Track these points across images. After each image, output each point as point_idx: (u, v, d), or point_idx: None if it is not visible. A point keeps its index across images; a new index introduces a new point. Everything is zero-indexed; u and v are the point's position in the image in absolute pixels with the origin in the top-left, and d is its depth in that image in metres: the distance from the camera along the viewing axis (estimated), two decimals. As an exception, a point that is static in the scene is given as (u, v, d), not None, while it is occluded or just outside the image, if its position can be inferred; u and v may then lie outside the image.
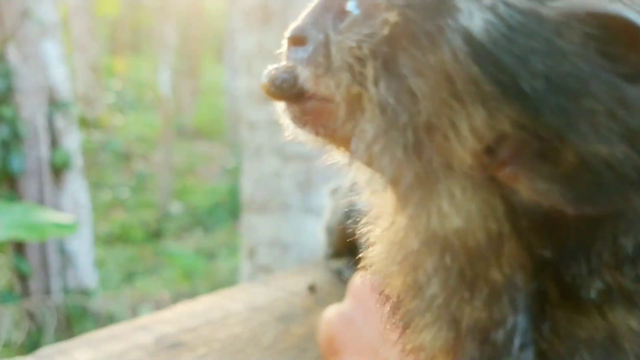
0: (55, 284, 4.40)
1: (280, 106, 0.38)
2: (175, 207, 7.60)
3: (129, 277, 5.65)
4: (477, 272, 0.28)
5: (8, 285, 4.62)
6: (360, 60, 0.32)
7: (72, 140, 4.47)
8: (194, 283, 5.49)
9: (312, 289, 0.95)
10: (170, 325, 0.84)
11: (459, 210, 0.27)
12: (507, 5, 0.28)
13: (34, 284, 4.33)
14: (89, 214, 4.82)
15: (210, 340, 0.80)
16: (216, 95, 13.22)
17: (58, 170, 4.42)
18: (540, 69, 0.26)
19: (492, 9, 0.28)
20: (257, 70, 2.61)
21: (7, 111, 4.13)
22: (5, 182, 4.27)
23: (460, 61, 0.27)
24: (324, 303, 0.91)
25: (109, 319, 4.49)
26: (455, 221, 0.28)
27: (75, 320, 4.46)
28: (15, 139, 4.19)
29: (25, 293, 4.29)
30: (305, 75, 0.35)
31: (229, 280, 5.50)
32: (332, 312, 0.68)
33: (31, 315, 4.08)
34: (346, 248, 1.07)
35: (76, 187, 4.58)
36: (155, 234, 6.82)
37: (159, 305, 5.12)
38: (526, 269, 0.28)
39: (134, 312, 4.83)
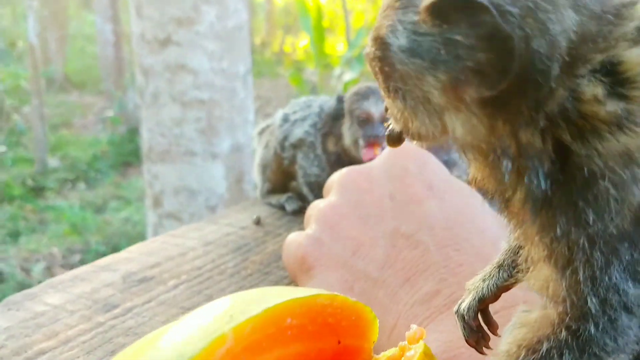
0: None
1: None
2: (54, 162, 7.20)
3: (13, 235, 5.36)
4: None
5: None
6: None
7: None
8: (85, 237, 5.33)
9: (258, 222, 1.03)
10: (131, 263, 0.90)
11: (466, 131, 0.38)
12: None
13: None
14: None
15: (177, 273, 0.86)
16: (86, 43, 12.39)
17: None
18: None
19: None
20: (149, 14, 2.55)
21: None
22: None
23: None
24: (273, 234, 1.01)
25: (-1, 280, 4.29)
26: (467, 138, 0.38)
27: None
28: None
29: None
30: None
31: (123, 232, 5.39)
32: (296, 237, 0.77)
33: None
34: (281, 182, 1.16)
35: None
36: (35, 191, 6.47)
37: (51, 262, 4.93)
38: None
39: (26, 271, 4.63)
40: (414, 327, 0.46)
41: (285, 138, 1.11)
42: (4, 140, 7.44)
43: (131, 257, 0.92)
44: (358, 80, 5.98)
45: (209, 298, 0.79)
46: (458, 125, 0.37)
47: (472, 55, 0.34)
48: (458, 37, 0.34)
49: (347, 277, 0.70)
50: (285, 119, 1.12)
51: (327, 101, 1.14)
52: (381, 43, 0.39)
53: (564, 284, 0.36)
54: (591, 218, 0.35)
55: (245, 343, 0.36)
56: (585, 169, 0.34)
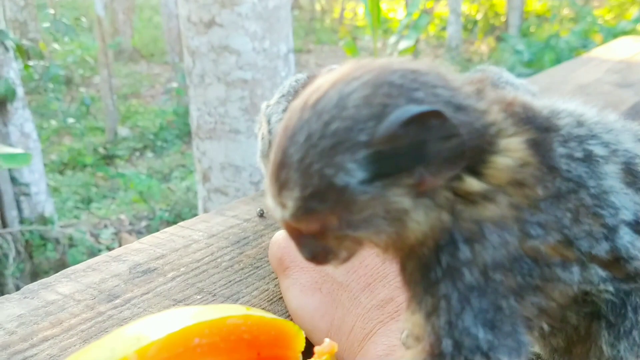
0: (11, 215, 4.45)
1: None
2: (124, 131, 7.55)
3: (85, 202, 5.71)
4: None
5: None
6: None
7: (11, 71, 4.36)
8: (151, 204, 5.61)
9: (262, 214, 1.10)
10: (140, 254, 0.98)
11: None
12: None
13: (-11, 217, 4.37)
14: (37, 143, 4.79)
15: (177, 265, 0.94)
16: (153, 14, 12.71)
17: (1, 102, 4.35)
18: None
19: None
20: (196, -5, 2.62)
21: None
22: (-55, 118, 4.19)
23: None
24: (272, 227, 1.07)
25: (70, 245, 4.61)
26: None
27: (35, 249, 4.55)
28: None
29: (-18, 227, 4.34)
30: None
31: (185, 200, 5.64)
32: (278, 237, 0.84)
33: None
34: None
35: (22, 118, 4.52)
36: (106, 159, 6.83)
37: (118, 228, 5.25)
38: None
39: (95, 237, 4.96)
40: (326, 340, 0.51)
41: (269, 127, 1.12)
42: (75, 110, 7.85)
43: (142, 248, 1.01)
44: (414, 49, 5.88)
45: (200, 291, 0.87)
46: (422, 216, 0.41)
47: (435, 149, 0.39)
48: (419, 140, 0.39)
49: (317, 278, 0.76)
50: (266, 107, 1.12)
51: (298, 79, 1.09)
52: (331, 191, 0.40)
53: (427, 329, 0.41)
54: (455, 271, 0.39)
55: (152, 362, 0.42)
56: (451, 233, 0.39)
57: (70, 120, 7.42)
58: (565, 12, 10.56)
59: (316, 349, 0.51)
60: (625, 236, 0.43)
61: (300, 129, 0.40)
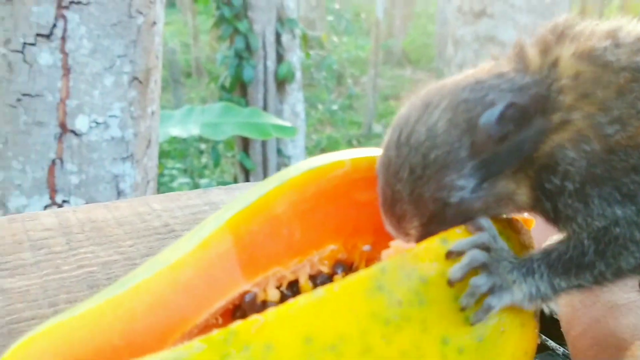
0: (272, 181, 5.08)
1: None
2: (377, 128, 8.00)
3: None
4: None
5: (233, 178, 5.44)
6: None
7: (295, 56, 4.97)
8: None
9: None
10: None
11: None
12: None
13: (254, 179, 5.05)
14: (304, 124, 5.37)
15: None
16: (427, 22, 13.14)
17: (281, 82, 4.99)
18: None
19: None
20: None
21: (241, 25, 4.73)
22: (237, 89, 4.96)
23: None
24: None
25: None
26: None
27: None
28: (247, 51, 4.80)
29: (248, 186, 5.04)
30: None
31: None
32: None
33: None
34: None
35: (295, 99, 5.12)
36: (358, 150, 7.32)
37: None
38: None
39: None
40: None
41: None
42: (340, 103, 8.55)
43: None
44: None
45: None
46: (525, 187, 0.45)
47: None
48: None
49: None
50: None
51: None
52: (448, 209, 0.44)
53: None
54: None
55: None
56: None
57: (334, 107, 8.12)
58: None
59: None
60: None
61: (401, 165, 0.44)
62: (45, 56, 1.54)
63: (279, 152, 5.16)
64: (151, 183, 1.92)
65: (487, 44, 2.69)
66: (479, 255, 0.41)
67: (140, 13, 1.61)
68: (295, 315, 0.35)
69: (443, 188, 0.43)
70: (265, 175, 5.02)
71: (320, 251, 0.45)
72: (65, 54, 1.54)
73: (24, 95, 1.55)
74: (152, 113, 1.78)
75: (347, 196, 0.47)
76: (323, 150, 7.18)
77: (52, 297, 0.57)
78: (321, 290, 0.35)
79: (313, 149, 7.13)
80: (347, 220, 0.47)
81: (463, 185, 0.43)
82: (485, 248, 0.42)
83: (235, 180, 5.26)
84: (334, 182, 0.46)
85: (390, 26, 10.67)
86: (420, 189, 0.43)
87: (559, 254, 0.43)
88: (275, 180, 0.44)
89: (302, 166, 0.46)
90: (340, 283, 0.36)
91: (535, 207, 0.45)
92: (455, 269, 0.39)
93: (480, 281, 0.40)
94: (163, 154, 5.67)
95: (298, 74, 5.13)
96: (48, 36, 1.52)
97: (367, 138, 7.65)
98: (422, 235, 0.44)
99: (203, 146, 6.32)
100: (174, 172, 5.61)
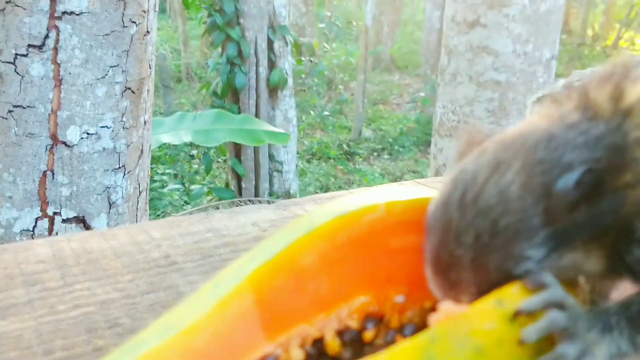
0: (263, 187, 5.03)
1: None
2: (367, 132, 7.99)
3: (323, 189, 6.18)
4: None
5: (225, 184, 5.39)
6: None
7: (287, 63, 4.93)
8: (380, 203, 5.83)
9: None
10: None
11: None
12: None
13: (246, 185, 5.00)
14: (296, 130, 5.33)
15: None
16: (415, 29, 13.19)
17: (273, 88, 4.95)
18: None
19: None
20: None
21: (233, 32, 4.68)
22: (229, 96, 4.91)
23: None
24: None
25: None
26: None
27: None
28: (239, 58, 4.75)
29: (239, 192, 4.99)
30: None
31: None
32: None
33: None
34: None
35: (287, 105, 5.08)
36: (347, 155, 7.30)
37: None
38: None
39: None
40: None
41: None
42: (330, 108, 8.54)
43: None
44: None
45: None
46: (594, 257, 0.41)
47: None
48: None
49: None
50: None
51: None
52: (510, 279, 0.40)
53: None
54: None
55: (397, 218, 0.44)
56: None
57: (325, 113, 8.10)
58: None
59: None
60: None
61: (465, 229, 0.39)
62: (37, 67, 1.48)
63: (271, 157, 5.12)
64: (143, 194, 1.87)
65: (481, 53, 2.67)
66: (559, 318, 0.36)
67: (134, 23, 1.57)
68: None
69: (511, 258, 0.39)
70: (257, 181, 4.98)
71: (349, 304, 0.41)
72: (57, 64, 1.49)
73: (15, 107, 1.50)
74: (145, 122, 1.73)
75: (380, 243, 0.42)
76: (314, 155, 7.15)
77: (48, 343, 0.52)
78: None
79: (304, 155, 7.09)
80: (379, 269, 0.42)
81: (532, 255, 0.39)
82: (560, 306, 0.37)
83: (227, 186, 5.20)
84: (367, 229, 0.42)
85: (379, 33, 10.67)
86: (485, 258, 0.39)
87: None
88: (302, 227, 0.40)
89: (330, 211, 0.41)
90: (384, 355, 0.32)
91: (607, 276, 0.41)
92: (532, 331, 0.35)
93: (569, 350, 0.36)
94: (154, 160, 5.60)
95: (290, 80, 5.09)
96: (40, 47, 1.47)
97: (357, 143, 7.64)
98: (475, 300, 0.39)
99: (194, 151, 6.27)
100: (165, 177, 5.55)
